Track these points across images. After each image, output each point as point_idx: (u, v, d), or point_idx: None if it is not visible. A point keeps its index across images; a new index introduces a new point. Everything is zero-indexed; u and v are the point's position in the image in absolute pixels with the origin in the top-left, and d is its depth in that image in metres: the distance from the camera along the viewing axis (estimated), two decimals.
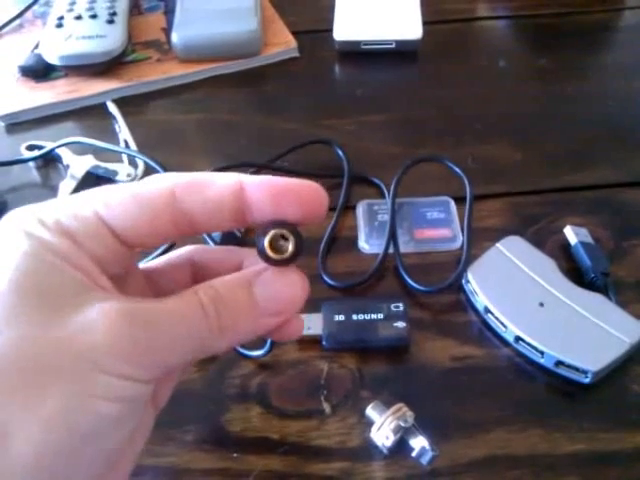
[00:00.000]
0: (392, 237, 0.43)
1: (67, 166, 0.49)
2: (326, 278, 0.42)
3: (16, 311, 0.19)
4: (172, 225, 0.22)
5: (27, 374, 0.18)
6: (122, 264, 0.23)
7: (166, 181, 0.22)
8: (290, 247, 0.22)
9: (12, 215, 0.21)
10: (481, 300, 0.39)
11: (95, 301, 0.20)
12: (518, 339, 0.37)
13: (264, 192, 0.22)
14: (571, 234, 0.43)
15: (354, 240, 0.44)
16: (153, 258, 0.39)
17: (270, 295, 0.23)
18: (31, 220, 0.21)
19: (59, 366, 0.19)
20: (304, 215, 0.22)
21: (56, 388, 0.18)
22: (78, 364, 0.19)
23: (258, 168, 0.48)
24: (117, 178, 0.47)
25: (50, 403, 0.18)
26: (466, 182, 0.46)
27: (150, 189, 0.22)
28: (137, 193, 0.22)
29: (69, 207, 0.21)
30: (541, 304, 0.38)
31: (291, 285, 0.23)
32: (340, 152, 0.48)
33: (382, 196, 0.47)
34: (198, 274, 0.26)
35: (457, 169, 0.47)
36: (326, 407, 0.36)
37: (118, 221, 0.21)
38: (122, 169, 0.48)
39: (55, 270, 0.20)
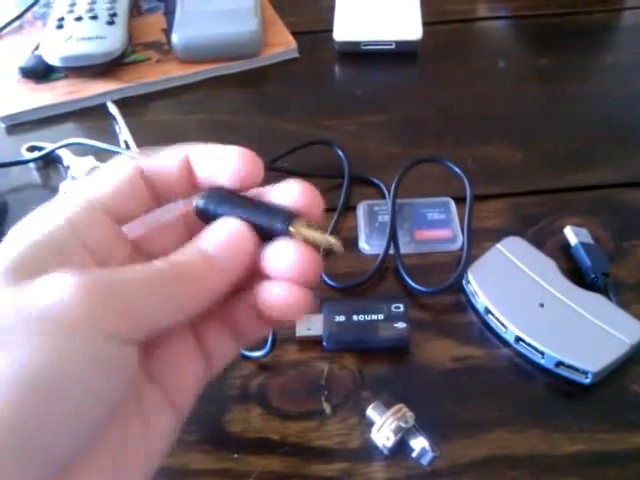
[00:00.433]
0: (392, 238, 0.43)
1: (67, 167, 0.49)
2: (326, 279, 0.42)
3: None
4: (148, 192, 0.25)
5: None
6: (122, 245, 0.24)
7: (129, 159, 0.25)
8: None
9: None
10: (481, 301, 0.39)
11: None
12: (518, 339, 0.37)
13: (200, 160, 0.25)
14: (571, 234, 0.43)
15: (354, 241, 0.44)
16: None
17: (214, 240, 0.24)
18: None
19: (13, 323, 0.19)
20: (238, 181, 0.25)
21: (14, 346, 0.18)
22: (35, 321, 0.19)
23: None
24: None
25: (4, 361, 0.18)
26: (466, 183, 0.46)
27: (120, 166, 0.25)
28: (113, 172, 0.25)
29: (70, 201, 0.23)
30: (541, 304, 0.38)
31: (225, 225, 0.24)
32: (340, 153, 0.48)
33: (382, 197, 0.47)
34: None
35: (457, 169, 0.47)
36: (326, 408, 0.36)
37: (109, 200, 0.24)
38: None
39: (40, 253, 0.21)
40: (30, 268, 0.20)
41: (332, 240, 0.24)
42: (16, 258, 0.21)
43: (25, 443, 0.18)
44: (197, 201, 0.25)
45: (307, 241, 0.24)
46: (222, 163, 0.25)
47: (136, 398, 0.23)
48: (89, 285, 0.20)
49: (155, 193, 0.25)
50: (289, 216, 0.24)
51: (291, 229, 0.24)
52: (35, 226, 0.22)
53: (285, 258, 0.24)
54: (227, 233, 0.24)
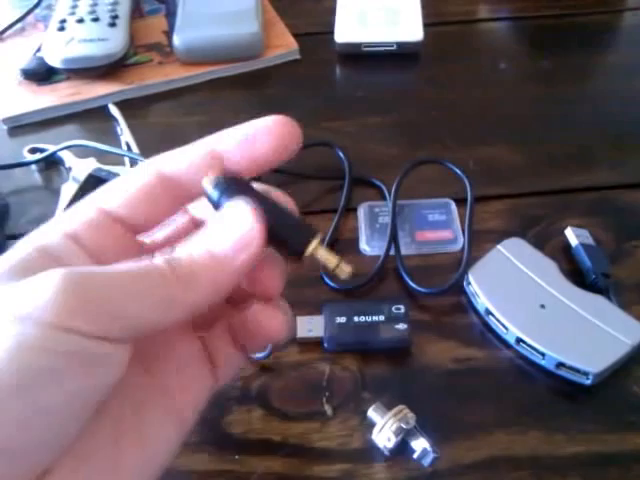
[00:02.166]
0: (393, 239, 0.43)
1: (69, 169, 0.49)
2: (327, 280, 0.42)
3: None
4: (167, 197, 0.24)
5: None
6: (133, 252, 0.24)
7: (150, 163, 0.24)
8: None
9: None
10: (482, 302, 0.39)
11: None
12: (519, 341, 0.37)
13: (232, 143, 0.24)
14: (572, 236, 0.43)
15: (355, 242, 0.44)
16: None
17: (219, 235, 0.22)
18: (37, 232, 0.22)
19: None
20: (276, 150, 0.25)
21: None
22: (9, 316, 0.19)
23: None
24: None
25: None
26: (467, 184, 0.46)
27: (137, 173, 0.24)
28: (128, 180, 0.24)
29: (75, 213, 0.23)
30: (542, 306, 0.38)
31: (237, 219, 0.22)
32: (341, 154, 0.49)
33: (383, 198, 0.47)
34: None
35: (458, 171, 0.47)
36: (328, 409, 0.36)
37: (120, 208, 0.23)
38: (124, 172, 0.48)
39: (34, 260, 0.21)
40: (26, 269, 0.20)
41: (345, 269, 0.24)
42: (12, 262, 0.21)
43: None
44: (208, 188, 0.23)
45: (319, 261, 0.23)
46: (259, 138, 0.24)
47: (135, 408, 0.23)
48: (70, 281, 0.19)
49: (179, 195, 0.24)
50: (312, 232, 0.23)
51: (309, 248, 0.23)
52: (39, 234, 0.22)
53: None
54: (240, 233, 0.22)
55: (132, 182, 0.24)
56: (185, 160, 0.24)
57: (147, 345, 0.23)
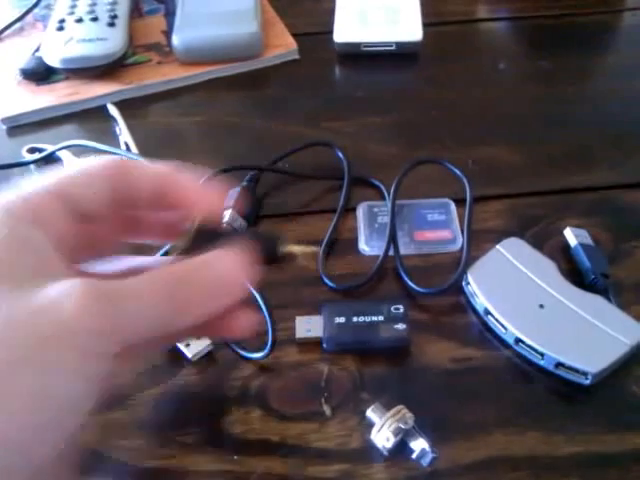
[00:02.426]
0: (392, 239, 0.43)
1: None
2: (326, 280, 0.42)
3: None
4: (112, 195, 0.26)
5: None
6: (84, 239, 0.25)
7: (106, 160, 0.26)
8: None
9: None
10: (481, 302, 0.39)
11: (56, 279, 0.20)
12: (518, 341, 0.37)
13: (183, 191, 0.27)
14: (571, 236, 0.43)
15: (354, 242, 0.44)
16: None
17: (216, 275, 0.25)
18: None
19: (25, 346, 0.19)
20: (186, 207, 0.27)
21: (23, 369, 0.18)
22: (45, 342, 0.19)
23: (259, 170, 0.48)
24: None
25: (18, 381, 0.18)
26: (466, 184, 0.46)
27: (93, 164, 0.26)
28: (87, 163, 0.26)
29: (32, 193, 0.24)
30: (541, 306, 0.38)
31: (232, 265, 0.26)
32: (340, 154, 0.48)
33: (382, 198, 0.47)
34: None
35: (457, 171, 0.47)
36: (326, 409, 0.36)
37: (74, 195, 0.25)
38: None
39: (10, 252, 0.21)
40: (16, 274, 0.21)
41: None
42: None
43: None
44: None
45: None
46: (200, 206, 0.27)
47: None
48: (97, 303, 0.20)
49: (123, 196, 0.26)
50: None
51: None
52: (5, 227, 0.22)
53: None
54: (235, 275, 0.26)
55: (89, 165, 0.26)
56: (144, 173, 0.27)
57: None
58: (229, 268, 0.25)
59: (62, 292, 0.20)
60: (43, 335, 0.19)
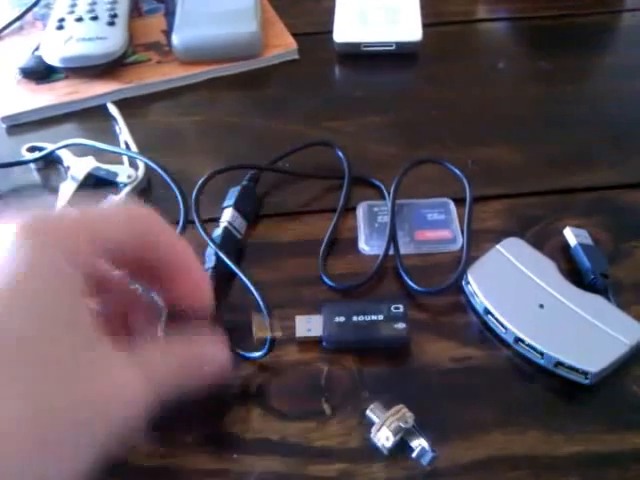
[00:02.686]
0: (392, 238, 0.43)
1: (68, 168, 0.49)
2: (326, 279, 0.42)
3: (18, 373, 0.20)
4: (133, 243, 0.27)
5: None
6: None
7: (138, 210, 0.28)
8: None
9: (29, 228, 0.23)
10: (481, 301, 0.39)
11: (112, 366, 0.23)
12: (518, 340, 0.37)
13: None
14: (571, 236, 0.43)
15: (354, 241, 0.44)
16: None
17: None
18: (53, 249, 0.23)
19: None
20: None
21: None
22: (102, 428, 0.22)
23: (259, 169, 0.48)
24: (118, 180, 0.47)
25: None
26: (466, 184, 0.46)
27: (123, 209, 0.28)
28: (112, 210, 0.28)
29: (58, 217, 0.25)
30: (541, 305, 0.38)
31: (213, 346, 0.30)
32: (340, 154, 0.48)
33: (382, 197, 0.47)
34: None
35: (456, 170, 0.47)
36: (326, 408, 0.36)
37: (102, 231, 0.26)
38: (123, 171, 0.48)
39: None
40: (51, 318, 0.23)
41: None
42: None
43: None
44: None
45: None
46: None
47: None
48: None
49: (139, 249, 0.27)
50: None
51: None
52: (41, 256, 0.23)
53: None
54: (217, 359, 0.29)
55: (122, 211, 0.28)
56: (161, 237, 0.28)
57: None
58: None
59: (117, 390, 0.23)
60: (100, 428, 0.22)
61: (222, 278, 0.41)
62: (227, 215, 0.44)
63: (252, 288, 0.39)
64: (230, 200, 0.45)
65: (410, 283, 0.41)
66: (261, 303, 0.38)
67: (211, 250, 0.42)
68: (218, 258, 0.41)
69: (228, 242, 0.43)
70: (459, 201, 0.46)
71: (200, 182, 0.44)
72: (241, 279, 0.40)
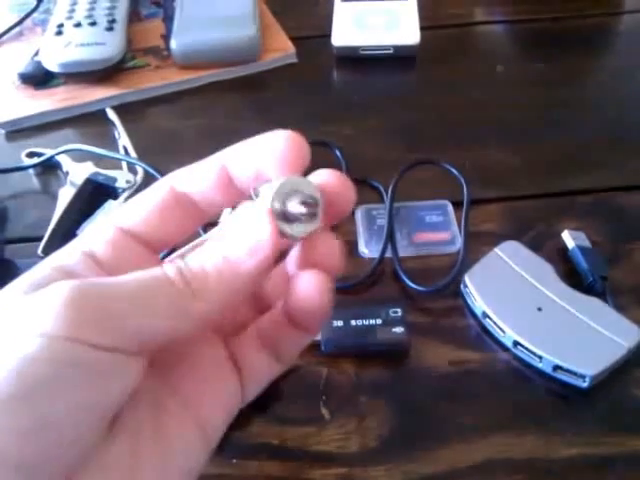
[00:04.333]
0: (390, 240, 0.43)
1: (67, 173, 0.49)
2: None
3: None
4: (182, 214, 0.24)
5: None
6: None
7: (164, 180, 0.25)
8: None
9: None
10: (479, 305, 0.39)
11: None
12: (516, 344, 0.37)
13: (243, 160, 0.24)
14: (569, 238, 0.43)
15: (354, 245, 0.44)
16: None
17: (232, 238, 0.21)
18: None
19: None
20: (286, 165, 0.24)
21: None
22: (20, 330, 0.19)
23: None
24: (116, 185, 0.48)
25: None
26: (464, 186, 0.46)
27: (153, 190, 0.24)
28: (143, 197, 0.24)
29: (93, 232, 0.23)
30: (539, 309, 0.38)
31: (251, 220, 0.22)
32: (339, 154, 0.49)
33: (381, 200, 0.47)
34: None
35: (455, 173, 0.47)
36: (325, 413, 0.36)
37: (137, 226, 0.23)
38: (121, 176, 0.48)
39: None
40: (42, 286, 0.20)
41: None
42: (30, 280, 0.21)
43: None
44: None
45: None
46: (266, 153, 0.24)
47: (155, 420, 0.22)
48: (79, 293, 0.19)
49: (193, 211, 0.24)
50: None
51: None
52: (57, 254, 0.22)
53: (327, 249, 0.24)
54: (254, 235, 0.21)
55: (147, 199, 0.24)
56: (198, 177, 0.24)
57: (167, 354, 0.23)
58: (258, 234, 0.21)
59: (46, 292, 0.20)
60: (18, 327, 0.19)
61: None
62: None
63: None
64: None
65: (408, 282, 0.41)
66: None
67: None
68: None
69: None
70: (457, 204, 0.46)
71: None
72: None
